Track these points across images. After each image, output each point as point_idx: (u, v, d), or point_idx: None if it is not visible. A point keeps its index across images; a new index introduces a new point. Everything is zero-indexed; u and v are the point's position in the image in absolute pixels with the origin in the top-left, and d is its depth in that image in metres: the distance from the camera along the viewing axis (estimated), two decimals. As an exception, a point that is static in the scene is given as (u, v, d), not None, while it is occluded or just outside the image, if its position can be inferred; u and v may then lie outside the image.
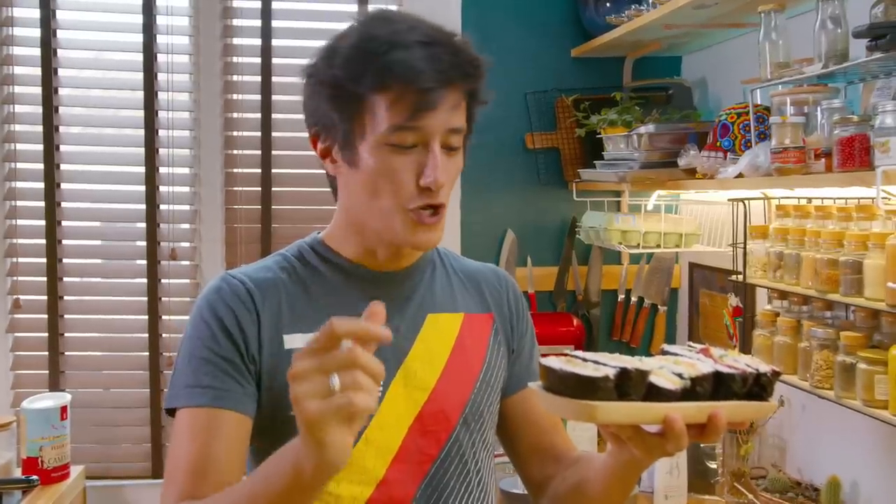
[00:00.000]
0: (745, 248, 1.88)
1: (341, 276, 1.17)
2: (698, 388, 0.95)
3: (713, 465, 2.10)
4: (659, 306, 2.67)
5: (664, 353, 1.05)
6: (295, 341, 1.11)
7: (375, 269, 1.17)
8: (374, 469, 1.10)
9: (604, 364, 0.94)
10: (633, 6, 2.28)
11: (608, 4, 2.49)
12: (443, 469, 1.14)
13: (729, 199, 2.01)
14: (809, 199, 1.80)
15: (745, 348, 1.93)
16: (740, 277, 1.89)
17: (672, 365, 0.97)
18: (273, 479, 0.92)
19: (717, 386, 0.97)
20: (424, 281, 1.21)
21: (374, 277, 1.17)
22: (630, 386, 0.92)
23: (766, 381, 0.99)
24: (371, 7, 2.58)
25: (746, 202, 1.93)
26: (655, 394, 0.93)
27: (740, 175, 1.81)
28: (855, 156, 1.45)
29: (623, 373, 0.92)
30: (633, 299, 2.69)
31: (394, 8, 2.58)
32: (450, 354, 1.18)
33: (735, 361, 1.00)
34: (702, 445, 2.14)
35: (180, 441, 1.07)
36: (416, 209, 1.08)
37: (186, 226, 2.58)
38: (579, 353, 0.99)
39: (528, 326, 1.31)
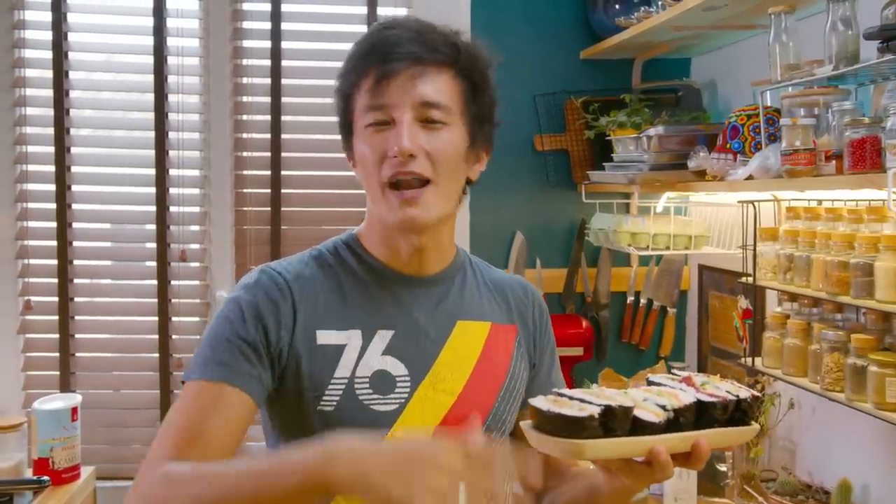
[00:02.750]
0: (754, 250, 1.87)
1: (373, 276, 1.20)
2: (681, 419, 1.00)
3: (723, 468, 2.10)
4: (668, 308, 2.67)
5: (649, 383, 1.09)
6: (328, 338, 1.14)
7: (405, 272, 1.20)
8: None
9: (589, 402, 0.98)
10: (642, 8, 2.28)
11: (617, 6, 2.50)
12: None
13: (739, 201, 2.01)
14: (820, 202, 1.79)
15: (755, 351, 1.92)
16: (750, 280, 1.89)
17: (655, 397, 1.02)
18: (284, 474, 0.94)
19: (700, 414, 1.02)
20: (454, 288, 1.24)
21: (405, 281, 1.20)
22: (615, 422, 0.96)
23: (746, 406, 1.03)
24: (380, 10, 2.59)
25: (756, 204, 1.93)
26: (640, 427, 0.98)
27: (750, 177, 1.81)
28: (866, 158, 1.45)
29: (608, 410, 0.96)
30: (643, 301, 2.69)
31: (403, 10, 2.59)
32: (476, 362, 1.20)
33: (716, 389, 1.05)
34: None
35: (180, 407, 1.09)
36: (394, 186, 1.12)
37: (196, 227, 2.59)
38: (566, 391, 1.03)
39: (549, 342, 1.33)
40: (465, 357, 1.19)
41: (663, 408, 0.99)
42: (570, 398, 1.00)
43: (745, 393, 1.04)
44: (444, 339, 1.19)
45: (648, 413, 0.98)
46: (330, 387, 1.11)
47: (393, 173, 1.11)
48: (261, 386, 1.10)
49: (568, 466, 1.29)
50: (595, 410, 0.95)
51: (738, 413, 1.03)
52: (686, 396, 1.01)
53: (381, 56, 1.11)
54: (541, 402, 1.00)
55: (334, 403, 1.11)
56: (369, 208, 1.21)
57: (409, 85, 1.10)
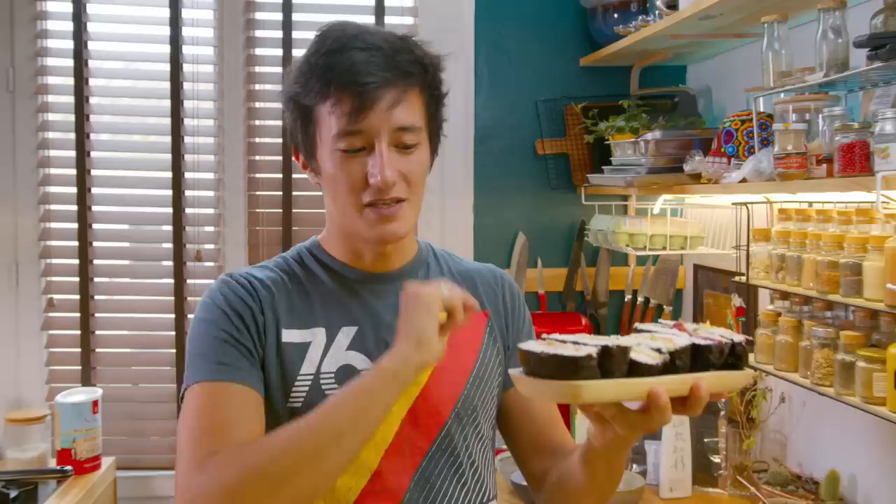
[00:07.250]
0: (748, 250, 1.88)
1: (335, 277, 1.22)
2: (678, 362, 0.95)
3: (717, 459, 2.13)
4: (664, 306, 2.66)
5: (637, 330, 1.04)
6: (292, 336, 1.16)
7: (367, 270, 1.22)
8: (368, 460, 1.13)
9: (584, 343, 0.92)
10: (640, 17, 2.30)
11: (616, 15, 2.51)
12: (434, 461, 1.18)
13: (733, 203, 2.02)
14: (811, 204, 1.81)
15: (748, 347, 1.97)
16: (743, 279, 1.90)
17: (649, 341, 0.97)
18: (367, 381, 1.05)
19: (695, 358, 0.97)
20: (418, 281, 1.23)
21: (367, 278, 1.22)
22: (612, 363, 0.91)
23: (741, 350, 1.00)
24: (387, 19, 2.64)
25: (750, 206, 1.94)
26: (636, 370, 0.93)
27: (744, 180, 1.82)
28: (855, 161, 1.47)
29: (605, 351, 0.91)
30: (640, 299, 2.70)
31: (410, 19, 2.66)
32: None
33: (710, 333, 1.02)
34: (705, 440, 2.16)
35: (192, 412, 1.07)
36: (372, 204, 1.13)
37: (211, 229, 2.63)
38: (556, 335, 0.98)
39: (525, 323, 1.33)
40: None
41: (658, 351, 0.94)
42: (563, 341, 0.94)
43: (739, 337, 1.00)
44: None
45: (645, 356, 0.93)
46: (297, 383, 1.13)
47: (373, 200, 1.12)
48: (260, 381, 1.12)
49: (564, 445, 1.27)
50: (593, 350, 0.89)
51: (731, 358, 0.99)
52: (681, 340, 0.97)
53: (358, 83, 1.09)
54: (532, 345, 0.94)
55: (301, 399, 1.12)
56: (334, 217, 1.22)
57: (387, 113, 1.10)
